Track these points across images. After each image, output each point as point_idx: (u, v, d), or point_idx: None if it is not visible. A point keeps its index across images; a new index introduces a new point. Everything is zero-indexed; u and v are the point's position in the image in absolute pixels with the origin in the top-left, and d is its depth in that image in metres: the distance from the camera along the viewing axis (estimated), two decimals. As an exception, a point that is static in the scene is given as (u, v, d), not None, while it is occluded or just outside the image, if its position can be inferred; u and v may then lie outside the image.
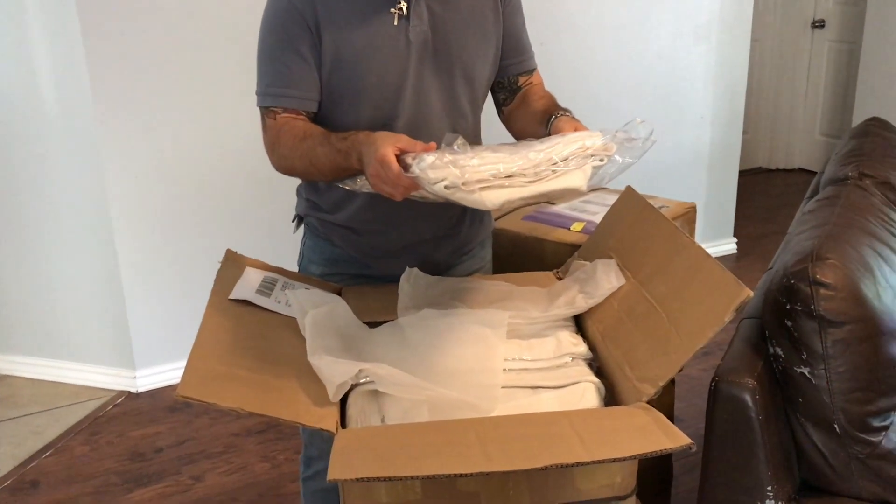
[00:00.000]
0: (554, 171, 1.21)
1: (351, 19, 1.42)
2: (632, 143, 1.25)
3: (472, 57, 1.50)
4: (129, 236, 2.77)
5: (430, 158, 1.15)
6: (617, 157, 1.25)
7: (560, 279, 1.57)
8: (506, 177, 1.17)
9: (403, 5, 1.43)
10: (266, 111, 1.48)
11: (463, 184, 1.14)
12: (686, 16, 3.63)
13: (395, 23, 1.43)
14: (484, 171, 1.15)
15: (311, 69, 1.44)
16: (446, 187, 1.14)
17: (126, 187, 2.72)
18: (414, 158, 1.18)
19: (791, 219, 2.08)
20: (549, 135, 1.33)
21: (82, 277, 2.87)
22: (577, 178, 1.22)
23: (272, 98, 1.47)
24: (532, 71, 1.62)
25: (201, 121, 2.78)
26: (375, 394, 1.19)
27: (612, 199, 1.92)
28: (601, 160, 1.25)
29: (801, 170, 5.58)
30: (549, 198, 1.25)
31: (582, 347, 1.32)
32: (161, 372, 2.92)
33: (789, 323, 1.32)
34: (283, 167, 1.48)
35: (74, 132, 2.69)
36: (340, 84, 1.45)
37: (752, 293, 1.12)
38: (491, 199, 1.16)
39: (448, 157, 1.15)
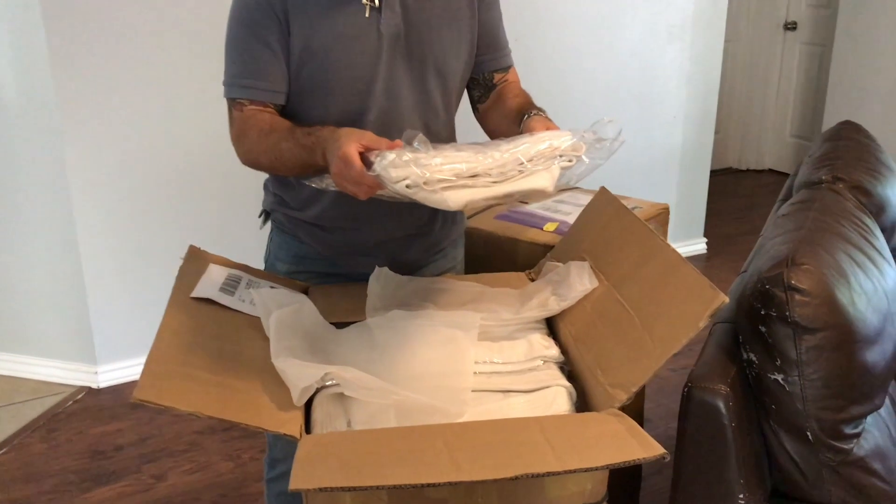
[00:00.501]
0: (520, 172, 1.18)
1: (322, 10, 1.38)
2: (601, 143, 1.22)
3: (446, 52, 1.47)
4: (92, 228, 2.71)
5: (391, 156, 1.11)
6: (585, 158, 1.22)
7: (533, 280, 1.54)
8: (470, 176, 1.14)
9: None
10: (233, 102, 1.44)
11: (424, 183, 1.10)
12: (660, 15, 3.62)
13: (367, 15, 1.40)
14: (446, 171, 1.12)
15: (279, 61, 1.40)
16: (408, 186, 1.11)
17: (89, 179, 2.66)
18: (377, 156, 1.14)
19: (761, 219, 2.07)
20: (521, 134, 1.30)
21: (43, 270, 2.80)
22: (543, 179, 1.19)
23: (239, 89, 1.42)
24: (508, 68, 1.58)
25: (166, 112, 2.72)
26: (341, 397, 1.16)
27: (585, 200, 1.90)
28: (570, 160, 1.22)
29: (771, 171, 5.62)
30: (515, 198, 1.22)
31: (554, 350, 1.29)
32: (123, 367, 2.86)
33: (763, 328, 1.31)
34: (249, 161, 1.43)
35: (36, 124, 2.62)
36: (309, 76, 1.41)
37: (726, 299, 1.10)
38: (454, 198, 1.12)
39: (409, 156, 1.12)
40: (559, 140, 1.21)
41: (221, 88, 1.46)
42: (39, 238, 2.76)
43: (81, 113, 2.59)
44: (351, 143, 1.17)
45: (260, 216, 1.66)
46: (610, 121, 1.24)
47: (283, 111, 1.45)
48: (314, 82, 1.42)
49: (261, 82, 1.41)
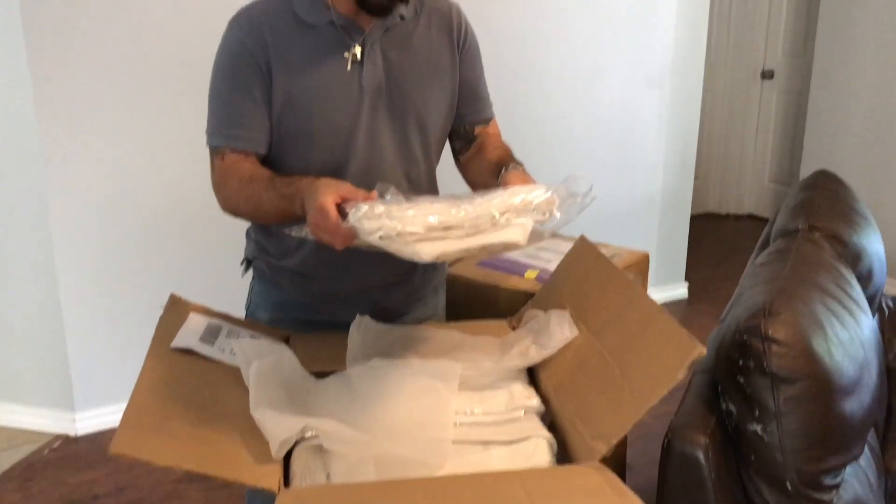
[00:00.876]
0: (493, 225, 1.19)
1: (304, 62, 1.40)
2: (573, 198, 1.24)
3: (427, 104, 1.49)
4: (73, 272, 2.69)
5: (364, 208, 1.13)
6: (557, 214, 1.24)
7: (514, 328, 1.54)
8: (443, 228, 1.15)
9: (357, 50, 1.42)
10: (215, 151, 1.45)
11: (397, 235, 1.12)
12: (639, 63, 3.69)
13: (349, 67, 1.42)
14: (419, 223, 1.13)
15: (261, 111, 1.42)
16: (381, 238, 1.12)
17: (71, 222, 2.65)
18: (353, 207, 1.15)
19: (742, 264, 2.09)
20: (498, 186, 1.32)
21: (22, 313, 2.77)
22: (516, 233, 1.20)
23: (221, 138, 1.44)
24: (488, 120, 1.61)
25: (150, 158, 2.72)
26: (320, 449, 1.15)
27: (565, 247, 1.91)
28: (543, 214, 1.23)
29: (750, 216, 5.69)
30: (488, 251, 1.24)
31: (535, 400, 1.29)
32: (102, 414, 2.82)
33: (741, 379, 1.32)
34: (230, 208, 1.44)
35: (20, 166, 2.61)
36: (291, 126, 1.43)
37: (704, 350, 1.11)
38: (426, 251, 1.14)
39: (383, 208, 1.13)
40: (532, 194, 1.22)
41: (204, 136, 1.47)
42: (19, 281, 2.74)
43: (64, 157, 2.60)
44: (328, 194, 1.18)
45: (242, 264, 1.66)
46: (582, 176, 1.26)
47: (265, 160, 1.46)
48: (296, 132, 1.43)
49: (242, 131, 1.42)
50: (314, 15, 1.41)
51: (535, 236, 1.25)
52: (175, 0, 2.63)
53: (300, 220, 1.28)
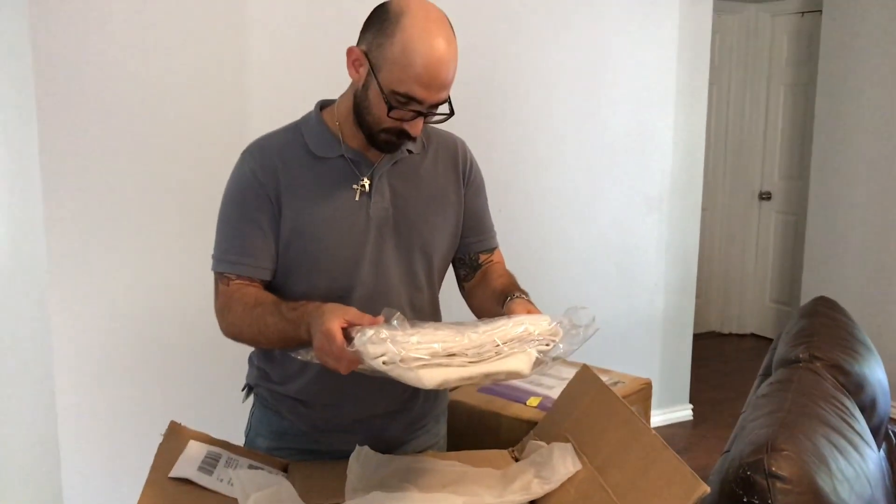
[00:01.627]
0: (497, 353, 1.21)
1: (314, 192, 1.45)
2: (576, 329, 1.26)
3: (432, 233, 1.53)
4: (72, 395, 2.66)
5: (369, 332, 1.15)
6: (560, 345, 1.26)
7: (516, 459, 1.53)
8: (446, 356, 1.17)
9: (366, 182, 1.47)
10: (220, 276, 1.48)
11: (401, 360, 1.14)
12: (638, 186, 3.78)
13: (357, 198, 1.46)
14: (423, 349, 1.15)
15: (267, 239, 1.46)
16: (384, 363, 1.14)
17: (72, 343, 2.64)
18: (357, 332, 1.17)
19: (746, 384, 2.08)
20: (502, 315, 1.34)
21: (18, 433, 2.73)
22: (520, 362, 1.22)
23: (226, 264, 1.47)
24: (493, 249, 1.65)
25: (154, 283, 2.73)
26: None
27: (568, 373, 1.91)
28: (546, 345, 1.25)
29: (753, 335, 5.68)
30: (491, 379, 1.24)
31: (536, 537, 1.27)
32: (93, 540, 2.74)
33: (747, 517, 1.30)
34: (232, 333, 1.46)
35: (24, 290, 2.64)
36: (297, 254, 1.46)
37: (707, 489, 1.10)
38: (428, 377, 1.15)
39: (387, 333, 1.15)
40: (536, 325, 1.24)
41: (210, 262, 1.51)
42: (17, 400, 2.72)
43: (69, 278, 2.62)
44: (334, 319, 1.21)
45: (243, 390, 1.66)
46: (583, 308, 1.28)
47: (270, 285, 1.49)
48: (302, 260, 1.47)
49: (248, 258, 1.46)
50: (325, 149, 1.47)
51: (538, 366, 1.26)
52: (187, 119, 2.71)
53: (303, 344, 1.30)
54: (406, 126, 1.39)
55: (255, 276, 1.47)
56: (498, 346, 1.21)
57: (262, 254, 1.46)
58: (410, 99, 1.35)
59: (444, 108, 1.44)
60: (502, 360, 1.21)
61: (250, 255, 1.46)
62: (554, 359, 1.27)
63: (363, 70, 1.39)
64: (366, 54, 1.38)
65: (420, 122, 1.39)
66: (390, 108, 1.36)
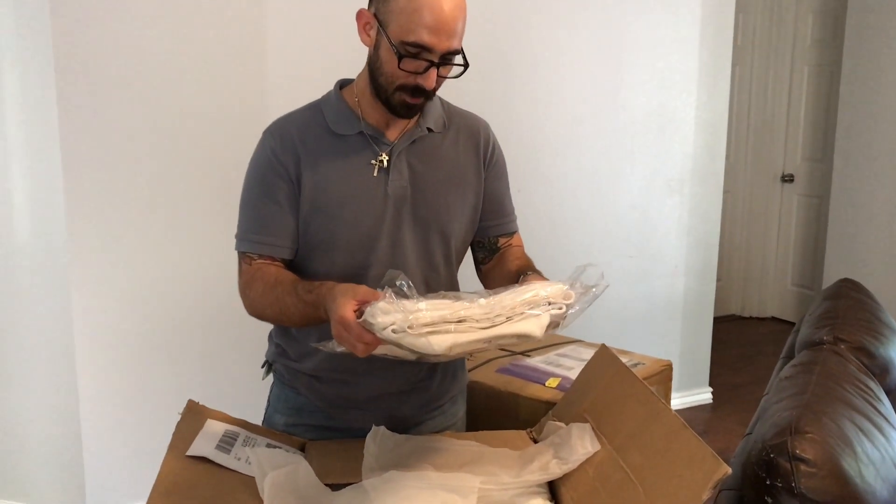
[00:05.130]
0: (508, 318, 1.19)
1: (333, 169, 1.45)
2: (587, 289, 1.25)
3: (450, 215, 1.52)
4: (92, 373, 2.69)
5: (379, 304, 1.15)
6: (574, 306, 1.24)
7: (534, 439, 1.52)
8: (456, 321, 1.16)
9: (384, 157, 1.46)
10: (242, 255, 1.50)
11: (409, 327, 1.13)
12: (659, 169, 3.73)
13: (375, 174, 1.46)
14: (431, 316, 1.14)
15: (288, 218, 1.46)
16: (394, 331, 1.13)
17: (93, 322, 2.66)
18: (368, 306, 1.17)
19: (766, 368, 2.06)
20: None
21: (39, 412, 2.76)
22: (531, 325, 1.20)
23: (248, 244, 1.48)
24: (512, 234, 1.63)
25: (174, 263, 2.74)
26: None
27: (587, 353, 1.90)
28: (560, 308, 1.23)
29: (774, 318, 5.63)
30: (502, 343, 1.23)
31: (555, 518, 1.26)
32: (113, 515, 2.77)
33: (769, 499, 1.28)
34: (255, 312, 1.48)
35: (46, 270, 2.65)
36: (317, 231, 1.46)
37: (729, 470, 1.08)
38: (438, 342, 1.14)
39: (395, 303, 1.14)
40: (546, 290, 1.23)
41: (231, 242, 1.52)
42: (38, 379, 2.74)
43: (90, 259, 2.63)
44: (346, 305, 1.20)
45: (262, 367, 1.66)
46: (591, 265, 1.27)
47: (291, 264, 1.50)
48: (321, 238, 1.47)
49: (269, 237, 1.47)
50: (344, 126, 1.47)
51: (552, 328, 1.24)
52: (207, 100, 2.71)
53: (325, 323, 1.30)
54: (420, 80, 1.38)
55: (276, 255, 1.48)
56: (509, 309, 1.19)
57: (283, 233, 1.47)
58: (420, 48, 1.34)
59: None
60: (513, 324, 1.20)
61: (271, 234, 1.47)
62: (564, 318, 1.25)
63: (373, 31, 1.40)
64: (375, 15, 1.38)
65: (433, 73, 1.37)
66: (401, 59, 1.35)
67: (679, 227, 3.83)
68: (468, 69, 1.40)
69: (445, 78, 1.42)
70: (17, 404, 2.77)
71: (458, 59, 1.40)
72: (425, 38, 1.33)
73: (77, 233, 2.59)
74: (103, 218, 2.63)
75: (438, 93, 1.47)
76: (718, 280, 4.18)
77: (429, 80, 1.38)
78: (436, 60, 1.36)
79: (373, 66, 1.42)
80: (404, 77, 1.37)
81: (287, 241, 1.47)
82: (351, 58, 1.67)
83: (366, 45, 1.44)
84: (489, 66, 3.18)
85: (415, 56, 1.35)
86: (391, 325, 1.13)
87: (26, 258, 2.68)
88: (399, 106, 1.42)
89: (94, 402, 2.70)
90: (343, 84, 1.53)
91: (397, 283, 1.19)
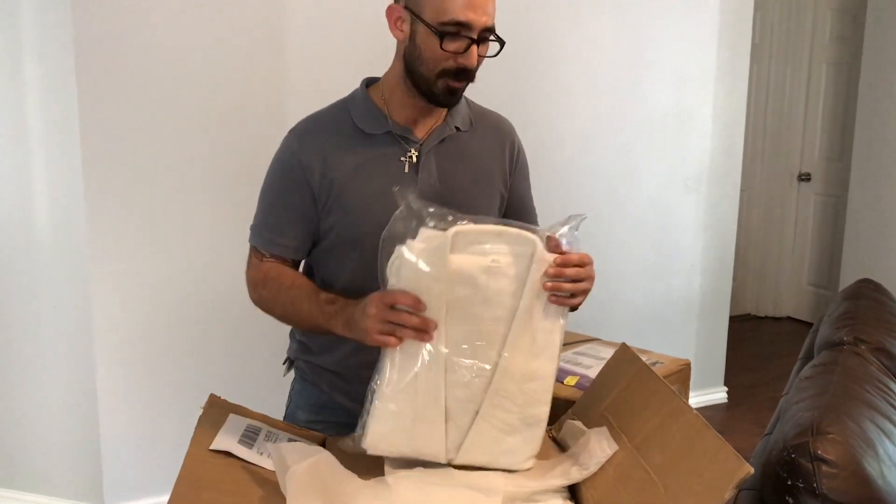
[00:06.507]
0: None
1: (360, 165, 1.46)
2: (567, 229, 1.39)
3: (476, 213, 1.51)
4: (111, 365, 2.71)
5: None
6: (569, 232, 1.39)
7: (553, 438, 1.52)
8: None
9: (414, 154, 1.46)
10: (254, 249, 1.52)
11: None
12: (676, 167, 3.72)
13: (406, 170, 1.46)
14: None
15: (302, 222, 1.48)
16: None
17: (112, 318, 2.68)
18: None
19: (781, 368, 2.06)
20: None
21: (58, 405, 2.78)
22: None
23: (262, 241, 1.51)
24: None
25: (193, 258, 2.76)
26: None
27: (606, 353, 1.89)
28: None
29: (789, 318, 5.60)
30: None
31: (576, 517, 1.26)
32: (131, 508, 2.79)
33: (790, 500, 1.27)
34: (263, 307, 1.51)
35: (66, 266, 2.68)
36: (343, 228, 1.47)
37: (751, 469, 1.08)
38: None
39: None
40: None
41: (247, 233, 1.55)
42: (57, 373, 2.76)
43: (110, 254, 2.65)
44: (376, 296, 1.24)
45: (284, 363, 1.67)
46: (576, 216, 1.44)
47: (308, 261, 1.53)
48: (346, 235, 1.48)
49: (281, 238, 1.49)
50: (372, 125, 1.47)
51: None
52: (226, 95, 2.72)
53: (326, 334, 1.35)
54: (462, 60, 1.38)
55: (286, 256, 1.51)
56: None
57: (295, 235, 1.49)
58: (459, 24, 1.35)
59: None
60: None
61: (284, 234, 1.49)
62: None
63: (406, 24, 1.41)
64: (406, 7, 1.40)
65: (474, 51, 1.39)
66: (442, 39, 1.36)
67: (696, 225, 3.82)
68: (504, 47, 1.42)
69: (484, 57, 1.43)
70: (36, 397, 2.80)
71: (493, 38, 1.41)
72: (462, 14, 1.34)
73: (97, 227, 2.61)
74: (123, 212, 2.65)
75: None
76: (734, 279, 4.16)
77: (471, 58, 1.39)
78: (475, 37, 1.37)
79: (410, 57, 1.42)
80: (446, 60, 1.38)
81: (298, 243, 1.50)
82: (371, 57, 1.68)
83: (398, 39, 1.44)
84: (508, 63, 3.16)
85: (454, 35, 1.36)
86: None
87: (46, 252, 2.70)
88: (443, 93, 1.43)
89: (113, 396, 2.72)
90: (369, 83, 1.53)
91: (408, 196, 1.25)
